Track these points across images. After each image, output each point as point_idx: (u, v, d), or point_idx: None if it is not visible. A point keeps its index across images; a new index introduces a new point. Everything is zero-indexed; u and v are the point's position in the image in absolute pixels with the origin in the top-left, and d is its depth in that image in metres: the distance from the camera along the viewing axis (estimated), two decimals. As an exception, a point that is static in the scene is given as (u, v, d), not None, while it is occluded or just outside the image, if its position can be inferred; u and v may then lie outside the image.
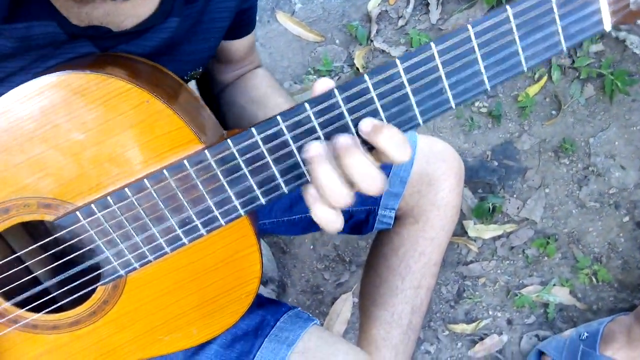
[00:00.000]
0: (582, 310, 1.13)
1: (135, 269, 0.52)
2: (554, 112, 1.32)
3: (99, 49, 0.52)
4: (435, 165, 0.80)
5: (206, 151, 0.47)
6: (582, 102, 1.30)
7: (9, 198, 0.48)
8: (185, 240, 0.52)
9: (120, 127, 0.47)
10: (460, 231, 1.28)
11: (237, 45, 0.72)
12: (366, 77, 0.44)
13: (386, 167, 0.79)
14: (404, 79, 0.45)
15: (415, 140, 0.80)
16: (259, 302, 0.70)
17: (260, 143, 0.47)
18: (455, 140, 1.38)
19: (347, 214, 0.81)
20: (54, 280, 0.54)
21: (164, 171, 0.48)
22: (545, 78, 1.35)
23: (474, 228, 1.26)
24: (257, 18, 0.75)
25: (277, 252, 1.34)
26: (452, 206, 0.81)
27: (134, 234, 0.50)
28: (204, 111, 0.53)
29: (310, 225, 0.83)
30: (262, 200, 0.51)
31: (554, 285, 1.16)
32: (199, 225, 0.51)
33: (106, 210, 0.49)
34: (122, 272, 0.52)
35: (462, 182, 0.86)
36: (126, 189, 0.48)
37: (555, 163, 1.28)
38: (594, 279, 1.15)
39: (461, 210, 1.27)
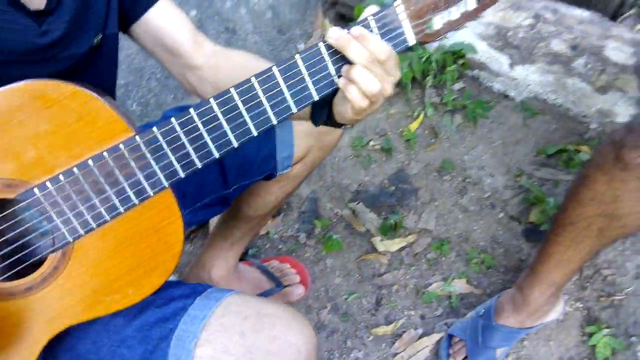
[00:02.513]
0: (478, 295, 1.31)
1: (81, 235, 0.65)
2: (432, 140, 1.59)
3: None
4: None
5: (137, 136, 0.64)
6: (453, 129, 1.58)
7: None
8: (121, 209, 0.66)
9: (70, 121, 0.62)
10: (370, 249, 1.45)
11: (161, 22, 0.83)
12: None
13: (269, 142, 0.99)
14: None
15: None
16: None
17: (178, 128, 0.65)
18: (357, 175, 1.59)
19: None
20: (9, 249, 0.65)
21: (104, 153, 0.63)
22: (422, 115, 1.63)
23: (382, 244, 1.44)
24: None
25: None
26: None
27: (79, 204, 0.64)
28: (119, 106, 0.70)
29: (222, 204, 1.03)
30: (182, 174, 0.67)
31: (453, 279, 1.34)
32: (132, 196, 0.66)
33: (57, 185, 0.63)
34: (70, 238, 0.65)
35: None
36: (74, 168, 0.63)
37: (439, 180, 1.51)
38: (484, 268, 1.35)
39: (369, 231, 1.47)
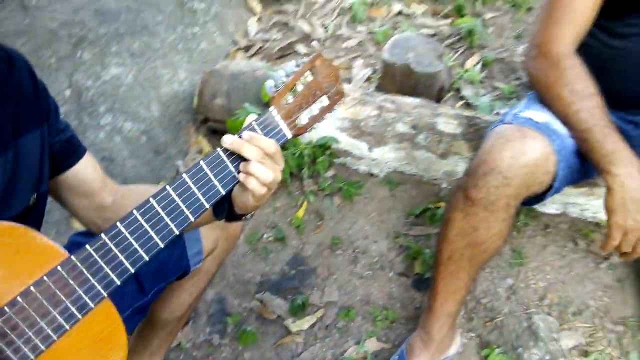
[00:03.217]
0: (389, 348, 1.45)
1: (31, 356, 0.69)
2: (319, 222, 1.78)
3: None
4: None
5: (72, 257, 0.72)
6: (334, 210, 1.79)
7: None
8: (67, 326, 0.72)
9: (10, 255, 0.69)
10: (285, 332, 1.54)
11: (82, 174, 0.92)
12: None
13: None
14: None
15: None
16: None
17: (109, 242, 0.74)
18: (258, 267, 1.71)
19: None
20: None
21: (44, 277, 0.70)
22: (305, 202, 1.82)
23: (294, 325, 1.54)
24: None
25: None
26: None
27: (27, 331, 0.69)
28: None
29: (140, 313, 1.10)
30: (118, 282, 0.75)
31: (365, 340, 1.48)
32: (75, 312, 0.72)
33: (3, 317, 0.67)
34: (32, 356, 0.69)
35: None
36: (18, 297, 0.69)
37: (333, 256, 1.68)
38: (388, 323, 1.51)
39: (280, 316, 1.57)
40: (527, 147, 1.04)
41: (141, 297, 1.07)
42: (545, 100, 1.14)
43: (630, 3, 1.10)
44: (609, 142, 1.03)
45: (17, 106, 0.81)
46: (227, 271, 1.70)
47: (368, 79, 2.16)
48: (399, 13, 2.48)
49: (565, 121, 1.10)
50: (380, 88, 2.03)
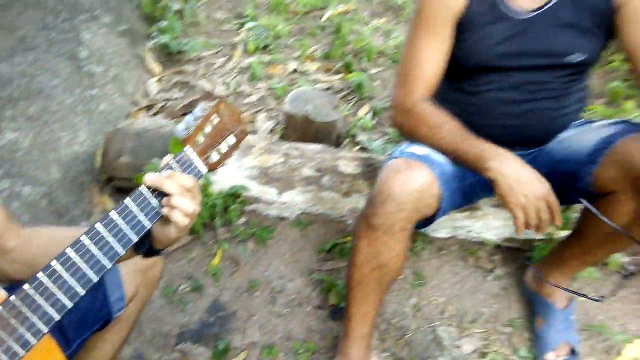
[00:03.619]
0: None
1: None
2: (235, 268, 1.83)
3: None
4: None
5: (11, 297, 0.74)
6: (249, 254, 1.86)
7: None
8: (7, 364, 0.73)
9: None
10: (209, 379, 1.55)
11: None
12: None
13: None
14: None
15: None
16: None
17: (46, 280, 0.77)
18: (176, 319, 1.71)
19: None
20: None
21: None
22: (220, 251, 1.87)
23: (218, 370, 1.56)
24: None
25: None
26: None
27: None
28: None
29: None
30: (57, 317, 0.78)
31: (289, 374, 1.54)
32: (19, 349, 0.74)
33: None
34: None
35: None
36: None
37: (251, 298, 1.74)
38: (309, 355, 1.58)
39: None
40: (413, 176, 1.22)
41: (66, 348, 1.06)
42: (416, 141, 1.34)
43: (471, 67, 1.35)
44: (475, 148, 1.23)
45: None
46: (143, 326, 1.69)
47: (272, 130, 2.31)
48: (295, 71, 2.69)
49: (438, 151, 1.30)
50: (283, 138, 2.18)
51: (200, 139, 0.94)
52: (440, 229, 1.80)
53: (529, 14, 1.27)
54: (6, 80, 2.32)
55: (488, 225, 1.74)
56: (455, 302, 1.64)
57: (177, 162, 0.91)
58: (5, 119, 2.17)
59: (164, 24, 2.90)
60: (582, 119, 1.43)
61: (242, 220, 1.96)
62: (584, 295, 1.21)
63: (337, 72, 2.67)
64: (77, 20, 2.78)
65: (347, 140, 2.25)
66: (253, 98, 2.51)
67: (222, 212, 1.91)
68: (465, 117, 1.35)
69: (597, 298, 1.14)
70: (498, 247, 1.78)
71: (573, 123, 1.41)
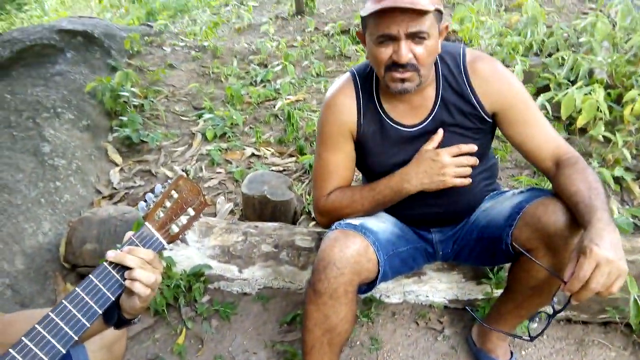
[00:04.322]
0: None
1: None
2: (200, 345, 1.90)
3: None
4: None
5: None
6: (213, 331, 1.93)
7: None
8: None
9: None
10: None
11: None
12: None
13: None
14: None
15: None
16: None
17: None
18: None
19: None
20: None
21: None
22: (184, 329, 1.94)
23: None
24: None
25: None
26: None
27: None
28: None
29: None
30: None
31: None
32: None
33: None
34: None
35: None
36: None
37: (217, 374, 1.80)
38: None
39: None
40: (349, 243, 1.38)
41: None
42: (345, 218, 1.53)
43: (378, 173, 1.54)
44: (387, 189, 1.48)
45: None
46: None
47: (232, 212, 2.45)
48: (252, 155, 2.89)
49: (366, 213, 1.52)
50: (243, 218, 2.32)
51: (160, 214, 1.04)
52: (392, 295, 1.94)
53: (414, 128, 1.49)
54: (-30, 177, 2.40)
55: (434, 288, 1.90)
56: (410, 362, 1.76)
57: (138, 237, 1.02)
58: (-31, 214, 2.23)
59: (125, 118, 3.08)
60: (498, 190, 1.66)
61: (206, 298, 2.04)
62: (516, 336, 1.35)
63: (291, 155, 2.89)
64: (39, 118, 2.93)
65: (303, 217, 2.42)
66: (213, 182, 2.67)
67: (185, 291, 2.00)
68: (392, 210, 1.60)
69: (527, 338, 1.29)
70: (446, 308, 1.93)
71: (491, 194, 1.63)
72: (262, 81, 3.67)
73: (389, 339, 1.84)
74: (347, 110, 1.51)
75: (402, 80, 1.36)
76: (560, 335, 1.82)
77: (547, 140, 1.43)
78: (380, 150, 1.51)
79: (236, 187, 2.62)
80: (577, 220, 1.26)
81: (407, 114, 1.49)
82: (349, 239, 1.40)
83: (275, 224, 2.12)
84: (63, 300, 0.92)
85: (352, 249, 1.38)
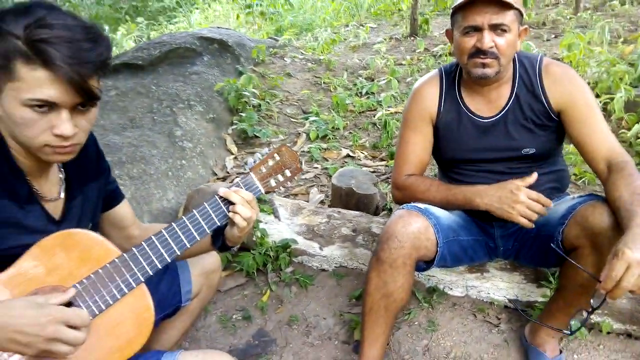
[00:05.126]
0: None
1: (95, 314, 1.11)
2: (279, 305, 2.20)
3: None
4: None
5: (124, 254, 1.17)
6: (292, 296, 2.22)
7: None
8: (118, 295, 1.14)
9: (79, 252, 1.14)
10: (249, 389, 1.88)
11: (121, 212, 1.37)
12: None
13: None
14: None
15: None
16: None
17: (146, 246, 1.21)
18: (227, 340, 2.07)
19: None
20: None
21: (106, 265, 1.15)
22: (268, 291, 2.26)
23: (257, 382, 1.88)
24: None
25: None
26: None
27: (93, 295, 1.12)
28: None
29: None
30: (150, 272, 1.20)
31: (314, 391, 1.83)
32: (124, 287, 1.16)
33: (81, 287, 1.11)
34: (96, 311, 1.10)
35: None
36: (91, 274, 1.13)
37: (290, 330, 2.08)
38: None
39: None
40: (412, 221, 1.59)
41: None
42: (416, 202, 1.72)
43: (449, 160, 1.77)
44: (460, 194, 1.63)
45: (87, 165, 1.28)
46: (200, 344, 2.06)
47: (321, 202, 2.75)
48: (347, 156, 3.19)
49: (434, 204, 1.70)
50: (330, 207, 2.61)
51: (263, 169, 1.35)
52: (455, 288, 2.10)
53: (488, 119, 1.70)
54: (117, 148, 2.96)
55: (496, 286, 2.03)
56: (461, 347, 1.90)
57: (243, 182, 1.33)
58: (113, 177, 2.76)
59: (243, 114, 3.54)
60: (561, 196, 1.77)
61: (289, 269, 2.35)
62: (557, 329, 1.47)
63: (382, 160, 3.13)
64: (175, 107, 3.48)
65: (384, 212, 2.65)
66: (309, 175, 3.00)
67: (273, 260, 2.32)
68: None
69: (567, 332, 1.41)
70: (506, 307, 2.05)
71: (556, 198, 1.75)
72: (366, 93, 3.97)
73: (445, 324, 2.00)
74: (431, 97, 1.76)
75: (483, 65, 1.57)
76: (617, 347, 1.86)
77: (602, 142, 1.55)
78: (455, 136, 1.74)
79: (329, 182, 2.92)
80: (619, 224, 1.37)
81: (483, 107, 1.70)
82: (412, 217, 1.61)
83: (357, 212, 2.38)
84: (183, 217, 1.24)
85: (413, 226, 1.59)
